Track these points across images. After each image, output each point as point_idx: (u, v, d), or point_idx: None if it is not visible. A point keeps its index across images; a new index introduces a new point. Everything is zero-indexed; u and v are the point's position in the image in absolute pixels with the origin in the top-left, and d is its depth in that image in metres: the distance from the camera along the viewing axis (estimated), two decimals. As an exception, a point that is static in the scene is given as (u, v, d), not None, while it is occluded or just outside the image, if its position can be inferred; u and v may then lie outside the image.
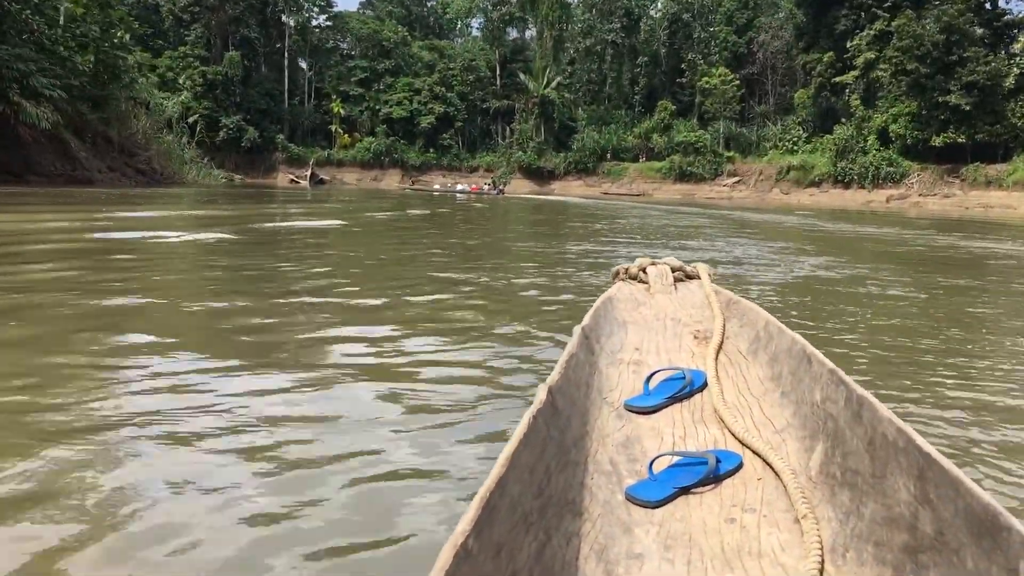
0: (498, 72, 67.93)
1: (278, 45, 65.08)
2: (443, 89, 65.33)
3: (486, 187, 56.09)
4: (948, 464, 1.24)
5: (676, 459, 1.71)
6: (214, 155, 62.03)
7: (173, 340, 4.60)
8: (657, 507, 1.55)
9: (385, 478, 2.59)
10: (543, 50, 64.20)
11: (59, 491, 2.40)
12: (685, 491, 1.60)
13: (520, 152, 61.31)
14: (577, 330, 2.28)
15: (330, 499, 2.42)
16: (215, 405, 3.28)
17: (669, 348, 2.56)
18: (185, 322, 5.32)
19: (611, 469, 1.70)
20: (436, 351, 4.48)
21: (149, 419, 3.08)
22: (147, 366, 3.93)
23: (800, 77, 57.12)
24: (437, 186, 59.10)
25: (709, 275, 3.25)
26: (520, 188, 59.65)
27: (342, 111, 64.66)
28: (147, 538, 2.15)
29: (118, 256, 9.16)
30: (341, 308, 5.89)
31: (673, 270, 3.29)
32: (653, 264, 3.33)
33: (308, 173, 59.96)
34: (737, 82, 56.28)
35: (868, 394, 1.56)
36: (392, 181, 62.61)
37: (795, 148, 52.35)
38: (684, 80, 61.71)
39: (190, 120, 45.65)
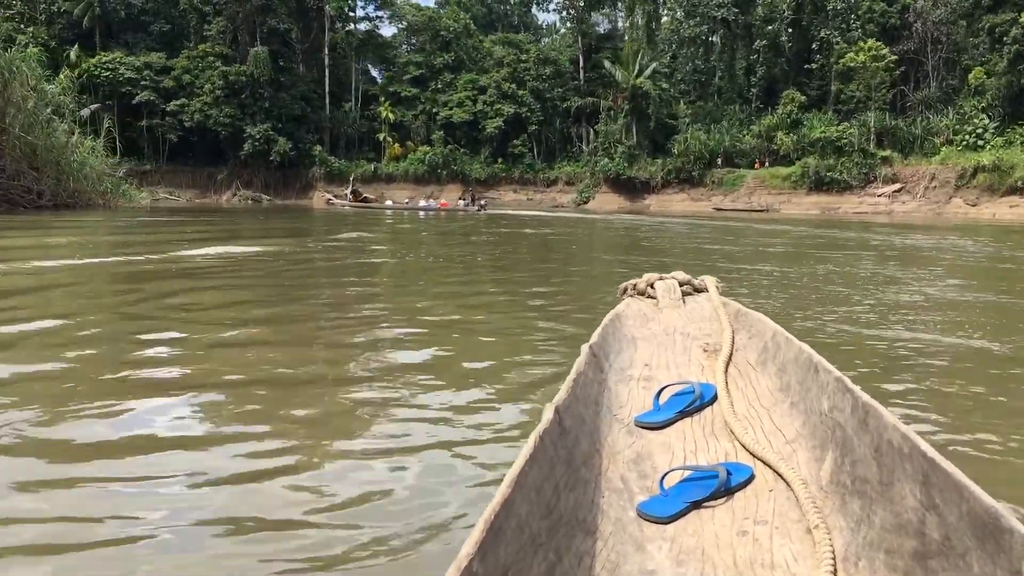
0: (581, 65, 55.89)
1: (317, 40, 54.70)
2: (514, 86, 53.74)
3: (462, 203, 43.99)
4: (951, 468, 1.24)
5: (687, 473, 1.71)
6: (241, 172, 52.29)
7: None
8: (669, 522, 1.55)
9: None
10: (634, 30, 51.73)
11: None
12: (697, 505, 1.60)
13: (606, 159, 48.83)
14: (585, 348, 2.26)
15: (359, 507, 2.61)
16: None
17: (679, 362, 2.57)
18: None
19: (622, 486, 1.70)
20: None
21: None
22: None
23: (980, 50, 42.93)
24: (390, 203, 46.39)
25: (717, 287, 3.24)
26: (606, 204, 47.25)
27: (392, 116, 53.74)
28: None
29: None
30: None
31: (681, 284, 3.26)
32: (661, 279, 3.29)
33: (348, 191, 48.87)
34: (894, 57, 42.56)
35: (874, 401, 1.57)
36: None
37: (981, 143, 38.31)
38: (814, 65, 48.29)
39: (83, 114, 33.94)
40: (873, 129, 42.07)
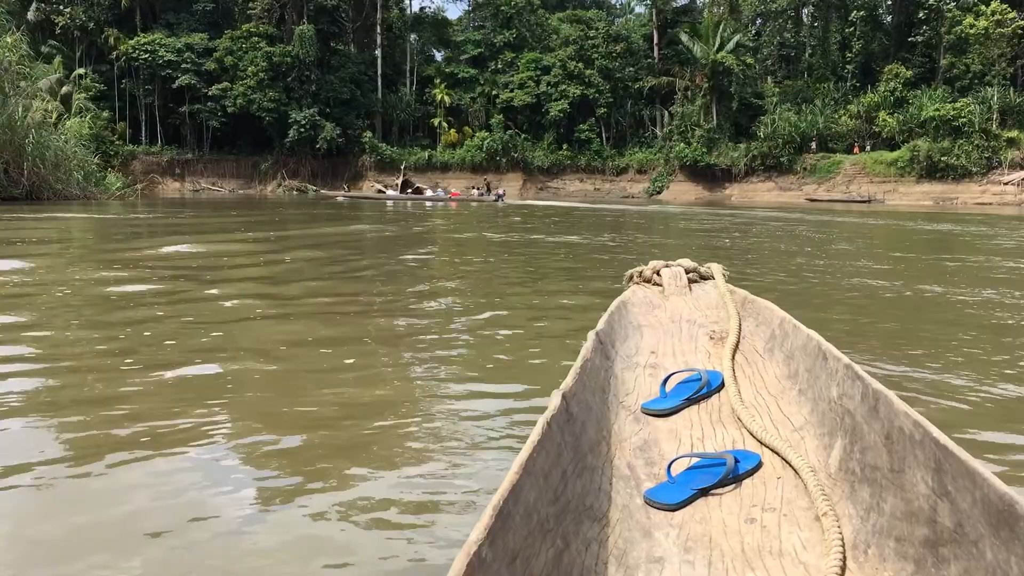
0: (656, 41, 50.92)
1: (370, 19, 50.94)
2: (580, 65, 49.11)
3: (476, 192, 39.93)
4: (965, 455, 1.23)
5: (695, 461, 1.69)
6: (286, 161, 48.95)
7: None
8: (676, 509, 1.54)
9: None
10: (714, 3, 46.57)
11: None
12: (704, 492, 1.59)
13: (683, 145, 43.88)
14: (591, 335, 2.21)
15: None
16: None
17: (685, 350, 2.51)
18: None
19: (629, 473, 1.69)
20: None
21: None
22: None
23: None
24: (391, 193, 41.05)
25: (723, 275, 3.14)
26: (681, 195, 42.45)
27: (448, 99, 49.69)
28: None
29: None
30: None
31: (687, 271, 3.17)
32: (667, 266, 3.20)
33: (399, 182, 44.73)
34: (1023, 23, 36.69)
35: (884, 388, 1.54)
36: (512, 189, 46.67)
37: None
38: (919, 38, 42.50)
39: (41, 85, 29.95)
40: (995, 107, 36.33)
